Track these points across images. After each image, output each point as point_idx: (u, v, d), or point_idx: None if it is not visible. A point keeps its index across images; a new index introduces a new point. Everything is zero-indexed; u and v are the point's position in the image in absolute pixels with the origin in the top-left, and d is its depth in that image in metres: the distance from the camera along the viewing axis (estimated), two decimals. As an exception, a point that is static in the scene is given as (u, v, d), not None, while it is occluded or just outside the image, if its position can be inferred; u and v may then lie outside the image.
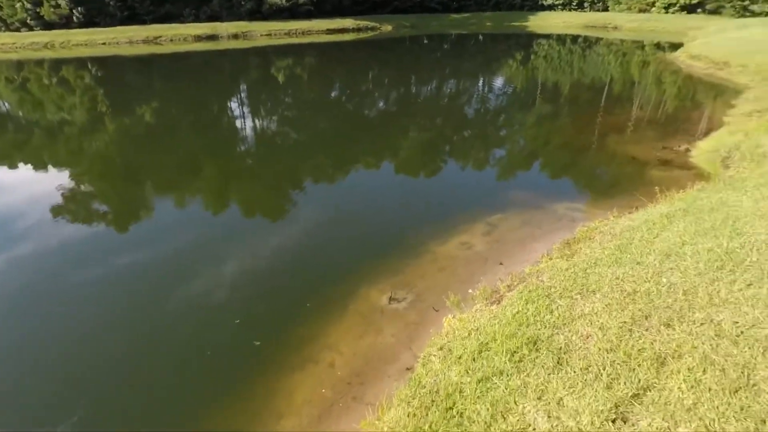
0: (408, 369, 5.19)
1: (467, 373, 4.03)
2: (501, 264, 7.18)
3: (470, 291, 5.83)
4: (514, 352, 4.04)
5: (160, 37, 44.85)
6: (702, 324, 3.72)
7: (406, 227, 8.74)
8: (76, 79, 26.35)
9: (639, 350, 3.61)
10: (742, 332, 3.51)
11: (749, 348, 3.33)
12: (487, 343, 4.33)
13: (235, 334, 6.11)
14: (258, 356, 5.75)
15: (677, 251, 5.04)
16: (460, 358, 4.30)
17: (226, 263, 7.73)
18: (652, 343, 3.65)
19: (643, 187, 9.03)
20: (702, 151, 10.66)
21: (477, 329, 4.71)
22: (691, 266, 4.63)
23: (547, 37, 44.40)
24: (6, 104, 21.29)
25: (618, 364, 3.54)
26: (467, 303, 5.81)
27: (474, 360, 4.17)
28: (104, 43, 42.81)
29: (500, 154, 12.91)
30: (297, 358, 5.69)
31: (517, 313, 4.65)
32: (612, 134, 13.37)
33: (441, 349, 4.67)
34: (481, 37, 47.35)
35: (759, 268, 4.28)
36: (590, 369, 3.56)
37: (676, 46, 30.99)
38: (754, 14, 45.28)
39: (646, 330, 3.83)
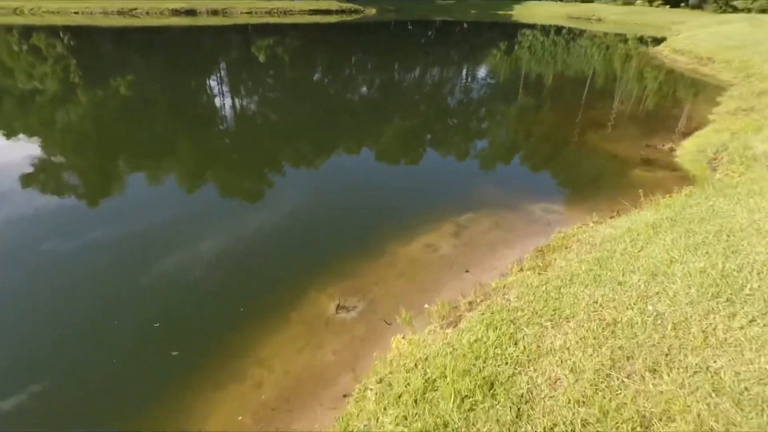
0: (345, 396, 4.39)
1: (405, 420, 3.23)
2: (467, 272, 6.40)
3: (426, 306, 5.03)
4: (465, 396, 3.25)
5: (136, 9, 42.52)
6: (696, 372, 2.99)
7: (370, 223, 7.92)
8: (47, 48, 24.65)
9: (618, 406, 2.86)
10: (746, 389, 2.78)
11: (757, 414, 2.60)
12: (434, 380, 3.54)
13: (151, 340, 5.21)
14: (174, 369, 4.88)
15: (665, 270, 4.32)
16: (399, 398, 3.50)
17: (159, 254, 6.79)
18: (634, 397, 2.90)
19: (626, 189, 8.35)
20: (687, 151, 10.05)
21: (426, 359, 3.91)
22: (681, 291, 3.91)
23: (532, 27, 43.66)
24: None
25: (591, 424, 2.78)
26: (421, 320, 5.01)
27: (416, 403, 3.37)
28: (77, 12, 40.43)
29: (479, 147, 12.11)
30: (220, 375, 4.85)
31: (476, 341, 3.86)
32: (594, 129, 12.70)
33: (380, 381, 3.86)
34: (465, 24, 46.33)
35: (762, 298, 3.57)
36: (556, 430, 2.79)
37: (659, 41, 30.60)
38: (736, 10, 45.31)
39: (628, 377, 3.08)
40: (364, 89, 19.02)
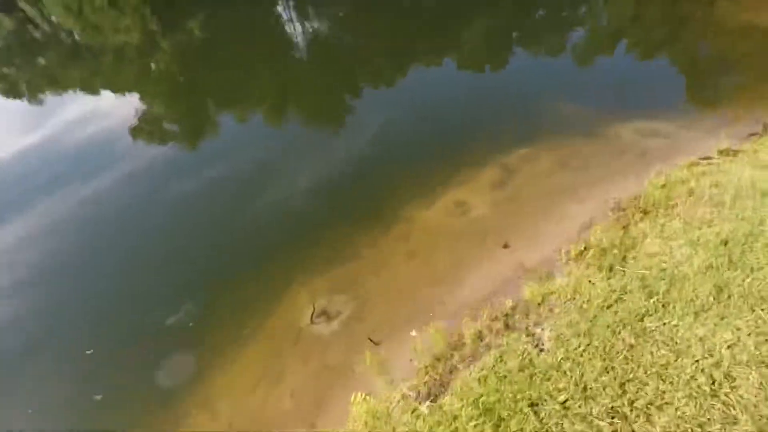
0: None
1: None
2: (506, 246, 4.34)
3: (413, 333, 3.17)
4: None
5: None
6: None
7: (390, 173, 5.95)
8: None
9: None
10: None
11: None
12: None
13: (65, 393, 4.08)
14: (93, 419, 3.79)
15: None
16: None
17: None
18: None
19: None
20: None
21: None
22: None
23: None
24: (73, 32, 20.92)
25: None
26: (400, 357, 3.20)
27: None
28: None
29: (553, 48, 8.79)
30: (150, 422, 3.67)
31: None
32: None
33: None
34: None
35: None
36: None
37: None
38: None
39: None
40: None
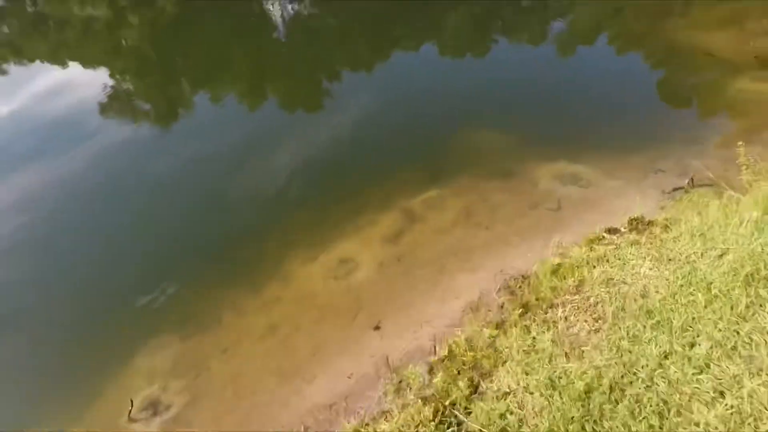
0: None
1: None
2: (377, 329, 3.66)
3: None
4: None
5: None
6: None
7: (283, 213, 5.21)
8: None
9: None
10: None
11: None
12: None
13: None
14: None
15: None
16: None
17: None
18: None
19: (721, 125, 4.68)
20: None
21: None
22: None
23: None
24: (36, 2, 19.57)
25: None
26: None
27: None
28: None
29: (492, 61, 7.94)
30: None
31: None
32: (684, 9, 8.03)
33: None
34: None
35: None
36: None
37: None
38: None
39: None
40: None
